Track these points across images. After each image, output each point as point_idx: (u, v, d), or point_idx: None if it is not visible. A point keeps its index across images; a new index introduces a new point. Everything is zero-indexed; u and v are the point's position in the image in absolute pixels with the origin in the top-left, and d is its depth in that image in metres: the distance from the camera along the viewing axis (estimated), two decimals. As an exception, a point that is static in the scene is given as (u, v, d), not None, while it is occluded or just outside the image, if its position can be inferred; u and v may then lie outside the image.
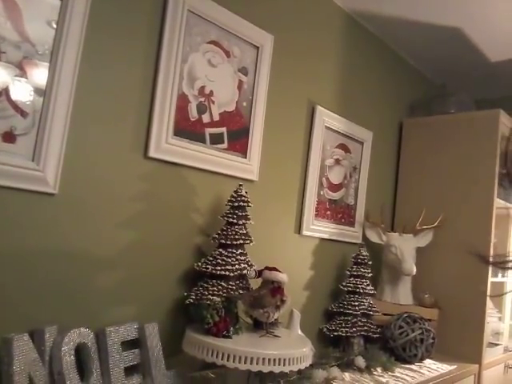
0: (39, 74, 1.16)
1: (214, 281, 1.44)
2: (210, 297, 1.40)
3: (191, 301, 1.42)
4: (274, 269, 1.44)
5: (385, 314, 2.00)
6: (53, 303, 1.19)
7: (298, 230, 1.95)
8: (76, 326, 1.18)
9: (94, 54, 1.26)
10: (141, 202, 1.38)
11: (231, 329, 1.31)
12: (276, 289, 1.39)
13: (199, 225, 1.54)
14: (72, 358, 1.16)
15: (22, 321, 1.12)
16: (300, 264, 1.96)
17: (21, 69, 1.12)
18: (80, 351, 1.20)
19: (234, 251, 1.47)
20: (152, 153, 1.40)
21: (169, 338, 1.40)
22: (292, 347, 1.33)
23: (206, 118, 1.56)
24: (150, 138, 1.40)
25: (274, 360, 1.24)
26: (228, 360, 1.23)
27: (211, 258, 1.46)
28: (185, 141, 1.49)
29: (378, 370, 1.75)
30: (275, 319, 1.42)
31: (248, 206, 1.51)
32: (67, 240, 1.22)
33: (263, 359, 1.23)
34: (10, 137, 1.11)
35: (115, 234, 1.32)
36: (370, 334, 1.94)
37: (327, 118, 2.06)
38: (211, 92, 1.58)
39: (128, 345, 1.29)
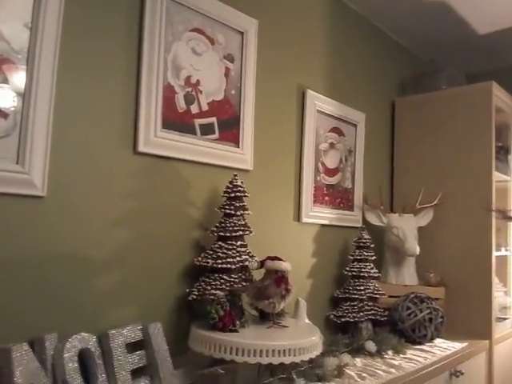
0: (16, 73, 1.11)
1: (216, 275, 1.39)
2: (213, 291, 1.35)
3: (194, 297, 1.38)
4: (277, 258, 1.40)
5: (391, 297, 1.97)
6: (51, 309, 1.15)
7: (297, 217, 1.91)
8: (77, 332, 1.14)
9: (72, 49, 1.20)
10: (134, 199, 1.33)
11: (237, 322, 1.28)
12: (280, 278, 1.35)
13: (196, 219, 1.49)
14: (75, 364, 1.11)
15: (20, 330, 1.07)
16: (301, 252, 1.92)
17: (-4, 67, 1.07)
18: (83, 357, 1.15)
19: (234, 243, 1.42)
20: (141, 147, 1.35)
21: (174, 337, 1.36)
22: (301, 336, 1.29)
23: (194, 109, 1.51)
24: (138, 132, 1.35)
25: (284, 351, 1.20)
26: (237, 354, 1.19)
27: (211, 252, 1.42)
28: (174, 133, 1.44)
29: (389, 353, 1.72)
30: (281, 309, 1.38)
31: (244, 196, 1.47)
32: (61, 243, 1.17)
33: (273, 351, 1.19)
34: (-10, 140, 1.06)
35: (110, 233, 1.27)
36: (378, 317, 1.91)
37: (319, 102, 2.01)
38: (198, 81, 1.53)
39: (133, 347, 1.25)
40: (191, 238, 1.48)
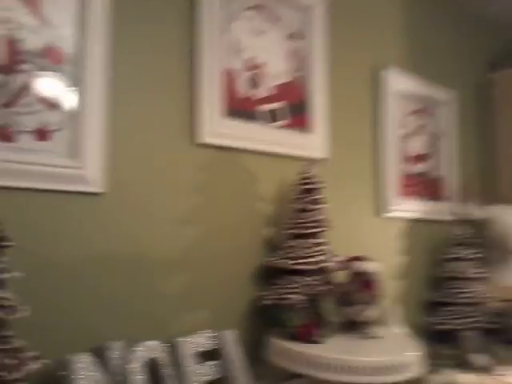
0: (66, 61, 1.02)
1: (292, 277, 1.22)
2: (289, 296, 1.18)
3: (268, 302, 1.22)
4: (362, 258, 1.20)
5: (503, 301, 1.67)
6: (115, 316, 1.05)
7: (379, 211, 1.68)
8: (144, 339, 1.03)
9: (123, 36, 1.11)
10: (198, 195, 1.21)
11: (320, 332, 1.09)
12: (368, 281, 1.15)
13: (266, 215, 1.34)
14: (142, 375, 1.00)
15: (82, 339, 0.98)
16: (385, 250, 1.69)
17: (44, 56, 0.99)
18: (151, 367, 1.04)
19: (311, 241, 1.24)
20: (202, 138, 1.22)
21: (248, 346, 1.20)
22: (398, 350, 1.08)
23: (258, 94, 1.36)
24: (198, 122, 1.22)
25: (378, 368, 1.00)
26: (319, 370, 1.01)
27: (285, 252, 1.25)
28: (237, 121, 1.30)
29: (504, 367, 1.43)
30: (371, 317, 1.18)
31: (319, 187, 1.29)
32: (122, 244, 1.07)
33: (363, 368, 0.99)
34: (43, 134, 0.98)
35: (174, 232, 1.15)
36: (485, 324, 1.61)
37: (398, 81, 1.77)
38: (261, 63, 1.38)
39: (204, 356, 1.12)
40: (262, 236, 1.32)
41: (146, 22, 1.15)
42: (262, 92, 1.37)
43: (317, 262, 1.21)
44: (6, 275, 0.80)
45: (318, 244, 1.25)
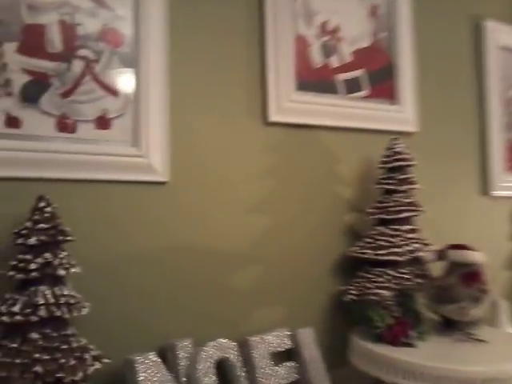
0: (123, 42, 0.96)
1: (379, 269, 1.08)
2: (376, 291, 1.05)
3: (352, 297, 1.09)
4: (463, 246, 1.01)
5: None
6: (181, 312, 0.99)
7: (485, 189, 1.44)
8: (214, 338, 0.96)
9: (182, 7, 1.02)
10: (269, 179, 1.10)
11: (413, 333, 0.94)
12: (471, 274, 0.97)
13: (347, 198, 1.19)
14: (213, 377, 0.93)
15: (146, 337, 0.94)
16: (493, 235, 1.45)
17: (101, 39, 0.94)
18: (221, 367, 0.97)
19: (400, 227, 1.09)
20: (273, 116, 1.11)
21: (327, 346, 1.09)
22: (510, 358, 0.89)
23: (334, 62, 1.21)
24: (268, 98, 1.11)
25: (486, 381, 0.83)
26: (413, 379, 0.86)
27: (370, 240, 1.10)
28: (311, 94, 1.16)
29: None
30: (475, 316, 1.00)
31: (409, 165, 1.12)
32: (189, 235, 1.01)
33: (465, 380, 0.83)
34: (104, 122, 0.94)
35: (245, 221, 1.07)
36: None
37: (503, 35, 1.49)
38: (336, 27, 1.22)
39: (279, 357, 1.03)
40: (342, 223, 1.18)
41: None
42: (338, 60, 1.21)
43: (408, 252, 1.05)
44: (66, 271, 0.77)
45: (410, 231, 1.08)
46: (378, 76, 1.26)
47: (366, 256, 1.08)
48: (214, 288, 1.02)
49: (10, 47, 0.86)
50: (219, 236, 1.03)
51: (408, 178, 1.11)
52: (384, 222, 1.10)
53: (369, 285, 1.06)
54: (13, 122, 0.86)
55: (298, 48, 1.16)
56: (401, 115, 1.27)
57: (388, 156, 1.13)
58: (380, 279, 1.06)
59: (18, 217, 0.80)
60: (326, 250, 1.14)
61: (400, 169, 1.11)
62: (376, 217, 1.11)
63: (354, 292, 1.08)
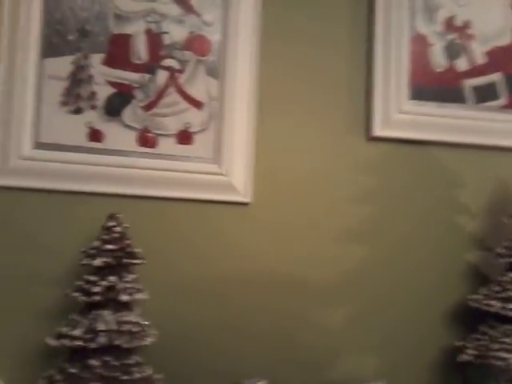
0: (210, 51, 0.90)
1: (508, 327, 0.84)
2: (501, 355, 0.81)
3: (468, 358, 0.87)
4: None
5: None
6: (258, 348, 0.88)
7: None
8: (292, 381, 0.85)
9: (278, 17, 0.92)
10: (368, 204, 0.94)
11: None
12: None
13: (470, 232, 0.96)
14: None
15: (215, 372, 0.85)
16: None
17: (187, 48, 0.88)
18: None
19: (541, 276, 0.83)
20: (378, 130, 0.94)
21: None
22: None
23: (461, 65, 0.99)
24: (373, 108, 0.94)
25: None
26: None
27: (498, 289, 0.86)
28: (429, 104, 0.97)
29: None
30: None
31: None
32: (271, 262, 0.90)
33: None
34: (186, 136, 0.88)
35: (337, 251, 0.92)
36: None
37: None
38: (466, 22, 1.00)
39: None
40: (462, 262, 0.96)
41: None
42: (467, 62, 0.99)
43: (552, 311, 0.80)
44: (130, 296, 0.71)
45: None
46: (519, 81, 1.00)
47: (491, 308, 0.85)
48: (295, 324, 0.89)
49: (97, 59, 0.85)
50: (305, 265, 0.90)
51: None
52: (520, 268, 0.86)
53: (492, 345, 0.83)
54: (96, 135, 0.84)
55: (414, 49, 0.98)
56: (551, 129, 1.00)
57: (529, 182, 0.88)
58: (508, 340, 0.82)
59: (94, 233, 0.78)
60: (438, 293, 0.93)
61: (546, 199, 0.86)
62: (508, 260, 0.87)
63: (471, 352, 0.86)
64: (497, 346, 0.83)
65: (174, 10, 0.88)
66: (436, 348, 0.92)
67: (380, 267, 0.93)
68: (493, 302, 0.85)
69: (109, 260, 0.72)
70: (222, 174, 0.87)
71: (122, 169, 0.83)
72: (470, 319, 0.91)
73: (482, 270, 0.95)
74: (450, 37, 0.99)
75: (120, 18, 0.85)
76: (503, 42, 1.01)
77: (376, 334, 0.92)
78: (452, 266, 0.95)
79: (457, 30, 1.00)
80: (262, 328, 0.88)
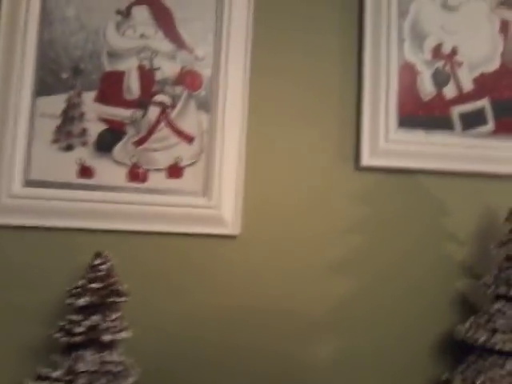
0: (201, 85, 0.91)
1: (498, 361, 0.84)
2: (488, 387, 0.82)
3: (456, 389, 0.87)
4: None
5: None
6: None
7: None
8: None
9: (268, 53, 0.93)
10: (357, 234, 0.95)
11: None
12: None
13: (458, 261, 0.97)
14: None
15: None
16: None
17: (179, 83, 0.90)
18: None
19: (529, 307, 0.84)
20: (366, 160, 0.95)
21: None
22: None
23: (449, 92, 1.00)
24: (362, 137, 0.95)
25: None
26: None
27: (486, 319, 0.87)
28: (417, 132, 0.98)
29: None
30: None
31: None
32: (260, 296, 0.90)
33: None
34: (176, 170, 0.89)
35: (325, 283, 0.93)
36: None
37: None
38: (454, 49, 1.01)
39: None
40: (452, 290, 0.96)
41: (293, 24, 0.95)
42: (454, 89, 1.00)
43: (539, 343, 0.80)
44: (113, 336, 0.72)
45: (543, 313, 0.83)
46: (506, 107, 1.01)
47: (480, 341, 0.85)
48: (286, 360, 0.90)
49: (89, 96, 0.86)
50: (294, 299, 0.91)
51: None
52: (507, 298, 0.86)
53: (478, 376, 0.84)
54: (86, 171, 0.86)
55: (402, 77, 0.98)
56: (540, 155, 1.00)
57: (518, 211, 0.89)
58: (499, 374, 0.82)
59: (82, 269, 0.79)
60: (426, 323, 0.94)
61: (534, 228, 0.87)
62: (497, 290, 0.87)
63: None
64: (485, 378, 0.83)
65: (167, 46, 0.89)
66: (423, 380, 0.93)
67: (368, 298, 0.93)
68: (482, 334, 0.86)
69: (93, 299, 0.72)
70: (210, 207, 0.88)
71: (112, 204, 0.85)
72: (458, 349, 0.91)
73: (470, 299, 0.95)
74: (438, 64, 1.00)
75: (113, 55, 0.87)
76: (491, 67, 1.02)
77: (363, 366, 0.92)
78: (440, 294, 0.95)
79: (444, 57, 1.01)
80: (248, 366, 0.89)
